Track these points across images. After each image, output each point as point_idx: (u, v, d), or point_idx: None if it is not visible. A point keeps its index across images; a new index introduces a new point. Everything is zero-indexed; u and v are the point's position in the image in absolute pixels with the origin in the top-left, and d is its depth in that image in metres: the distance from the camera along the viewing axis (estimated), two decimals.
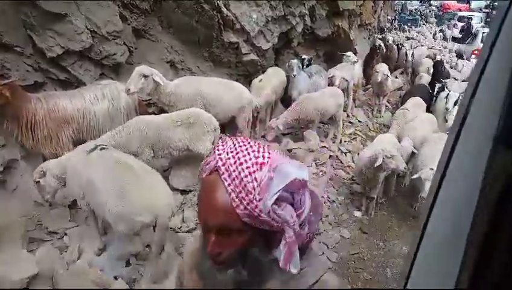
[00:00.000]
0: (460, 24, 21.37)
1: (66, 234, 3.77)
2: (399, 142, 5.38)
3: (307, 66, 7.38)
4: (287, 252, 0.88)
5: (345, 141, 6.81)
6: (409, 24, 21.91)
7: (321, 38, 8.31)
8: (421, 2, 30.92)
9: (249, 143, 0.92)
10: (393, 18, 20.02)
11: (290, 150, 5.83)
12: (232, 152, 0.89)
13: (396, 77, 10.82)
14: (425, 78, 8.99)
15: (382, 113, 8.57)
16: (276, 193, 0.84)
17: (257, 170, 0.86)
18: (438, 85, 7.56)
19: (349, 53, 8.22)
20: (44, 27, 4.31)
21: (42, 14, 4.23)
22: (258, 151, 0.89)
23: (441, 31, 21.55)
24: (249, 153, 0.88)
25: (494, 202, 0.57)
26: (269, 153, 0.89)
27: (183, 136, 4.19)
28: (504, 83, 0.61)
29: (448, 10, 28.57)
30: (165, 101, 4.66)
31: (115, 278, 3.35)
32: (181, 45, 5.99)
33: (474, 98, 0.70)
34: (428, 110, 7.00)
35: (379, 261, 4.27)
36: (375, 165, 4.36)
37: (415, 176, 4.39)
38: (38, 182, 3.48)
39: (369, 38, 11.61)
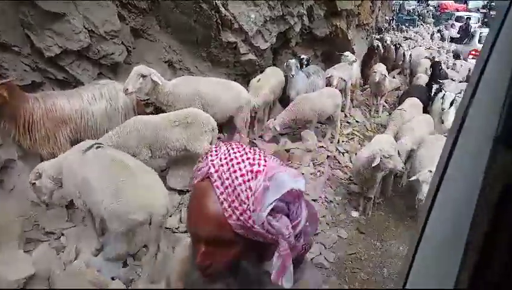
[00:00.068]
0: (458, 24, 21.42)
1: (63, 235, 3.76)
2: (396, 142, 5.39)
3: (306, 65, 7.39)
4: (281, 266, 0.83)
5: (342, 141, 6.82)
6: (407, 24, 21.95)
7: (319, 38, 8.32)
8: (418, 2, 30.98)
9: (244, 149, 0.87)
10: (391, 18, 20.05)
11: (287, 150, 5.83)
12: (225, 158, 0.85)
13: (393, 77, 10.85)
14: (422, 79, 9.01)
15: (380, 113, 8.59)
16: (271, 204, 0.80)
17: (252, 178, 0.81)
18: (435, 86, 7.58)
19: (347, 53, 8.23)
20: (42, 26, 4.29)
21: (40, 14, 4.22)
22: (254, 159, 0.84)
23: (438, 31, 21.59)
24: (243, 160, 0.83)
25: (495, 202, 0.57)
26: (265, 161, 0.84)
27: (181, 136, 4.19)
28: (504, 83, 0.61)
29: (446, 10, 28.62)
30: (163, 101, 4.65)
31: (112, 278, 3.34)
32: (179, 45, 5.98)
33: (473, 98, 0.70)
34: (425, 110, 7.02)
35: (376, 261, 4.28)
36: (373, 165, 4.37)
37: (412, 178, 4.39)
38: (34, 183, 3.46)
39: (367, 38, 11.61)
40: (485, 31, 15.00)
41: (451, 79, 9.24)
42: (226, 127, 5.59)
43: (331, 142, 6.58)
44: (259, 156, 0.86)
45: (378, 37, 13.50)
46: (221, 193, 0.82)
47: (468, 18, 20.65)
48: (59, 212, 3.97)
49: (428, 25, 24.34)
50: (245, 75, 6.80)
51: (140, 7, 5.34)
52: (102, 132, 4.30)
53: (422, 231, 0.73)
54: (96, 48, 4.74)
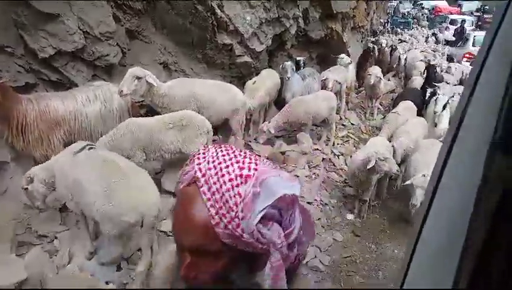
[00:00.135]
0: (452, 27, 21.57)
1: (56, 238, 3.73)
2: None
3: (303, 67, 7.41)
4: (273, 278, 0.77)
5: (337, 144, 6.83)
6: (402, 27, 22.04)
7: (314, 41, 8.33)
8: (413, 5, 31.16)
9: (233, 152, 0.81)
10: (385, 21, 20.16)
11: (283, 153, 5.83)
12: (213, 161, 0.79)
13: (388, 80, 10.89)
14: (417, 82, 9.04)
15: (375, 116, 8.62)
16: (262, 211, 0.74)
17: (241, 183, 0.75)
18: (429, 90, 7.59)
19: (342, 55, 8.24)
20: (36, 27, 4.26)
21: (34, 14, 4.19)
22: (243, 162, 0.78)
23: (433, 34, 21.73)
24: (232, 164, 0.77)
25: (492, 208, 0.56)
26: (256, 164, 0.78)
27: (176, 139, 4.17)
28: (501, 87, 0.60)
29: (440, 13, 28.77)
30: (158, 103, 4.63)
31: (106, 283, 3.32)
32: (174, 46, 5.97)
33: (470, 103, 0.69)
34: (419, 114, 7.04)
35: (371, 264, 4.28)
36: (368, 167, 4.38)
37: (407, 183, 4.40)
38: (27, 189, 3.44)
39: (362, 41, 11.66)
40: (479, 34, 15.12)
41: (446, 82, 9.29)
42: (222, 129, 5.58)
43: (326, 145, 6.59)
44: (250, 159, 0.80)
45: (373, 39, 13.56)
46: (208, 199, 0.76)
47: (463, 21, 20.80)
48: (52, 215, 3.94)
49: (422, 27, 24.47)
50: (240, 77, 6.79)
51: (136, 8, 5.32)
52: (97, 134, 4.28)
53: (417, 239, 0.72)
54: (90, 49, 4.71)
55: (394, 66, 12.03)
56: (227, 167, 0.77)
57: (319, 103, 6.21)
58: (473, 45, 14.04)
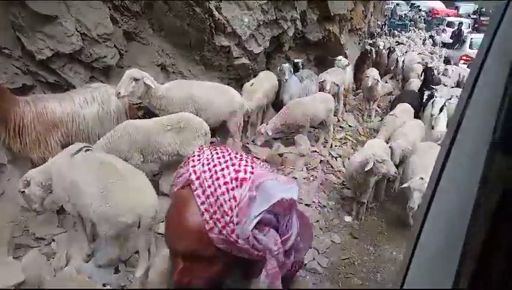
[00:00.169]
0: (449, 29, 21.67)
1: (53, 240, 3.71)
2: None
3: (301, 69, 7.42)
4: (269, 285, 0.74)
5: (335, 146, 6.83)
6: (399, 29, 22.13)
7: (312, 43, 8.35)
8: (410, 8, 31.28)
9: (229, 154, 0.79)
10: (383, 23, 20.23)
11: (281, 155, 5.83)
12: (208, 164, 0.76)
13: (386, 82, 10.92)
14: (415, 84, 9.06)
15: (372, 118, 8.64)
16: (258, 216, 0.71)
17: (237, 186, 0.72)
18: (427, 92, 7.61)
19: (340, 57, 8.26)
20: (33, 29, 4.25)
21: (31, 16, 4.18)
22: (239, 165, 0.75)
23: (431, 36, 21.82)
24: (228, 167, 0.75)
25: (493, 209, 0.56)
26: (252, 167, 0.76)
27: (173, 141, 4.16)
28: (499, 88, 0.60)
29: (437, 15, 28.92)
30: (155, 104, 4.62)
31: (104, 285, 3.30)
32: (172, 48, 5.97)
33: (468, 105, 0.69)
34: (416, 116, 7.06)
35: (370, 267, 4.28)
36: (366, 169, 4.38)
37: (404, 185, 4.40)
38: (24, 192, 3.43)
39: (359, 43, 11.70)
40: (476, 36, 15.19)
41: (444, 84, 9.32)
42: (219, 131, 5.58)
43: (324, 147, 6.59)
44: (246, 162, 0.77)
45: (370, 41, 13.60)
46: (202, 203, 0.73)
47: (461, 23, 20.90)
48: (49, 218, 3.92)
49: (420, 30, 24.56)
50: (238, 79, 6.79)
51: (133, 10, 5.32)
52: (94, 136, 4.28)
53: (416, 242, 0.72)
54: (88, 51, 4.70)
55: (392, 68, 12.06)
56: (222, 169, 0.75)
57: (317, 105, 6.22)
58: (470, 47, 14.11)
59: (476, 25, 24.21)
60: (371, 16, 13.23)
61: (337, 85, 7.43)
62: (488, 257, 0.57)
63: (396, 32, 21.05)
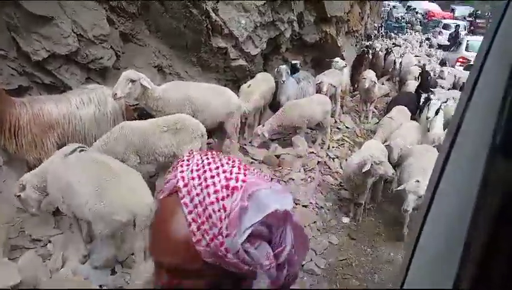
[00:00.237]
0: (445, 31, 21.79)
1: (49, 242, 3.69)
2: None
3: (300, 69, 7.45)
4: None
5: (332, 147, 6.84)
6: (396, 31, 22.23)
7: (309, 44, 8.37)
8: (406, 10, 31.41)
9: (220, 160, 0.73)
10: (379, 25, 20.29)
11: (278, 156, 5.84)
12: (198, 170, 0.71)
13: (382, 84, 10.95)
14: (412, 86, 9.08)
15: (369, 120, 8.66)
16: (250, 228, 0.66)
17: (227, 195, 0.67)
18: (423, 95, 7.62)
19: (337, 59, 8.28)
20: (29, 30, 4.23)
21: (27, 17, 4.16)
22: (231, 172, 0.70)
23: (427, 39, 21.93)
24: (218, 174, 0.70)
25: (494, 212, 0.56)
26: (245, 175, 0.71)
27: (170, 142, 4.15)
28: (499, 90, 0.60)
29: (433, 18, 29.07)
30: (152, 106, 4.61)
31: (100, 286, 3.29)
32: (169, 50, 5.96)
33: (468, 108, 0.69)
34: (413, 119, 7.06)
35: (367, 268, 4.28)
36: (364, 171, 4.38)
37: (399, 188, 4.40)
38: (20, 196, 3.42)
39: (356, 45, 11.74)
40: (472, 38, 15.27)
41: (441, 86, 9.35)
42: (217, 132, 5.57)
43: (322, 148, 6.60)
44: (239, 168, 0.72)
45: (367, 43, 13.64)
46: (190, 212, 0.68)
47: (458, 26, 21.03)
48: (46, 219, 3.90)
49: (416, 32, 24.67)
50: (235, 80, 6.79)
51: (130, 11, 5.31)
52: (91, 137, 4.25)
53: (415, 245, 0.72)
54: (84, 52, 4.69)
55: (390, 70, 12.10)
56: (212, 177, 0.69)
57: (314, 106, 6.23)
58: (466, 50, 14.16)
59: (472, 28, 24.37)
60: (368, 18, 13.29)
61: (334, 87, 7.46)
62: (488, 260, 0.56)
63: (393, 34, 21.14)
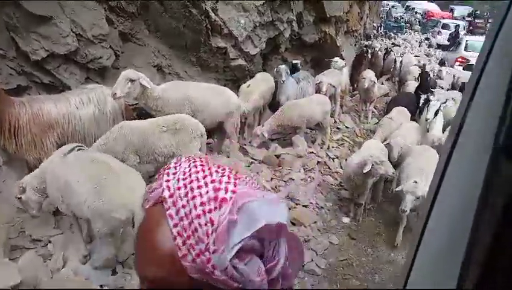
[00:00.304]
0: (444, 31, 21.80)
1: (50, 242, 3.68)
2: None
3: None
4: None
5: (332, 147, 6.85)
6: (395, 31, 22.22)
7: (308, 44, 8.37)
8: (405, 10, 31.43)
9: (209, 168, 0.67)
10: (378, 25, 20.29)
11: (278, 156, 5.84)
12: (184, 179, 0.65)
13: (382, 84, 10.96)
14: (411, 86, 9.07)
15: (369, 119, 8.67)
16: (239, 243, 0.61)
17: (215, 208, 0.62)
18: (423, 96, 7.61)
19: (336, 58, 8.28)
20: (28, 29, 4.23)
21: (26, 16, 4.16)
22: (220, 182, 0.64)
23: (427, 39, 21.94)
24: (206, 184, 0.64)
25: (498, 214, 0.56)
26: (235, 185, 0.65)
27: (169, 142, 4.14)
28: (501, 91, 0.60)
29: (432, 18, 29.08)
30: (152, 105, 4.61)
31: (101, 286, 3.29)
32: (168, 49, 5.95)
33: (469, 108, 0.69)
34: (412, 119, 7.06)
35: (368, 268, 4.28)
36: (364, 171, 4.38)
37: (398, 188, 4.40)
38: (20, 198, 3.42)
39: (355, 45, 11.73)
40: (471, 38, 15.28)
41: (440, 87, 9.35)
42: (216, 132, 5.57)
43: (321, 148, 6.61)
44: (228, 178, 0.66)
45: (366, 43, 13.64)
46: (175, 225, 0.62)
47: (458, 26, 21.04)
48: (46, 219, 3.89)
49: (415, 32, 24.68)
50: (235, 80, 6.79)
51: (129, 11, 5.30)
52: (90, 137, 4.25)
53: (418, 245, 0.72)
54: (83, 51, 4.68)
55: (391, 69, 12.08)
56: (199, 187, 0.64)
57: (313, 106, 6.23)
58: (466, 50, 14.17)
59: (471, 28, 24.37)
60: (367, 17, 13.29)
61: (334, 86, 7.46)
62: (491, 261, 0.56)
63: (392, 34, 21.13)
